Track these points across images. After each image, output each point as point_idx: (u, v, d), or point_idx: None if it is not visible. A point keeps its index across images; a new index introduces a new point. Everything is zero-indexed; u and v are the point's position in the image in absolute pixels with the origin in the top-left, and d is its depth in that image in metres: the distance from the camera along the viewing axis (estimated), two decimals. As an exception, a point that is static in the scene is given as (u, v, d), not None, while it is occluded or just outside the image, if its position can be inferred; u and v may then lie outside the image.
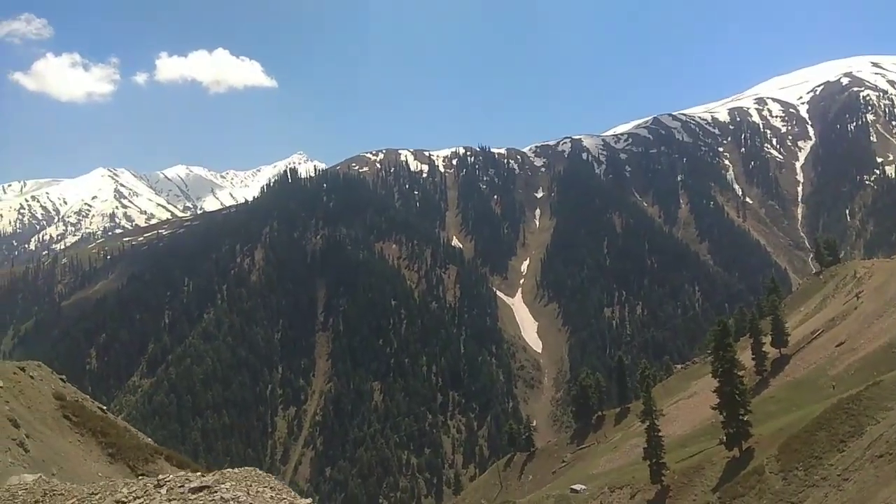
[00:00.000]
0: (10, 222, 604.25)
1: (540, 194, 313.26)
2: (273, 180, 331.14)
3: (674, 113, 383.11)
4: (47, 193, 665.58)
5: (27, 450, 25.99)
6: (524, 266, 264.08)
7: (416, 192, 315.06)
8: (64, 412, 31.33)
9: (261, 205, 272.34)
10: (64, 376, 42.00)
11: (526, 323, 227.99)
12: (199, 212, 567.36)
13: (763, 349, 74.69)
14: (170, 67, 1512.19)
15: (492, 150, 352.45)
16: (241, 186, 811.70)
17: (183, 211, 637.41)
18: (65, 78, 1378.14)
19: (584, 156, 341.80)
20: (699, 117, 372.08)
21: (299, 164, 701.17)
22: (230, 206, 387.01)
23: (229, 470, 13.34)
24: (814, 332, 77.51)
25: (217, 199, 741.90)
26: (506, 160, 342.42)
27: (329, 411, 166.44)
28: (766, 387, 72.29)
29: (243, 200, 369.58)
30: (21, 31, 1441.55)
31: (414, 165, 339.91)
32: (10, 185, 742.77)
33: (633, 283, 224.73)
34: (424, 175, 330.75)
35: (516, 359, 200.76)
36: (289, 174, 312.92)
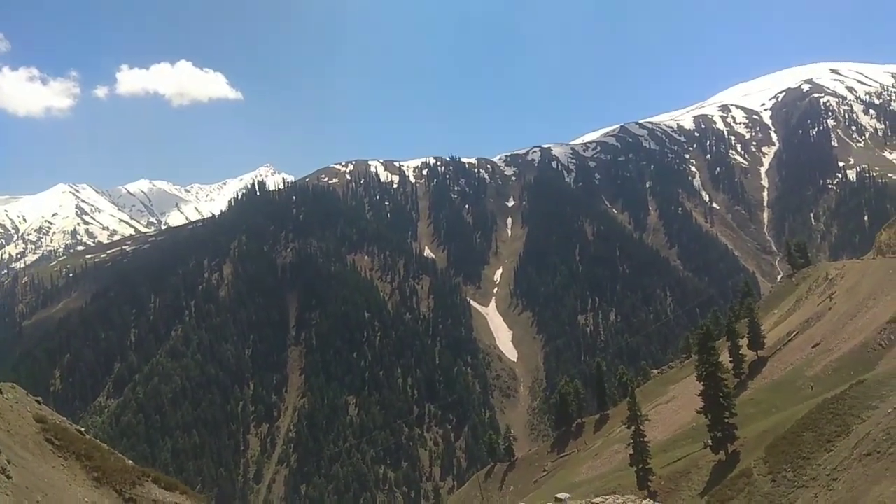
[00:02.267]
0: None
1: (511, 203, 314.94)
2: (240, 193, 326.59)
3: (640, 121, 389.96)
4: (6, 210, 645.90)
5: (9, 476, 24.49)
6: (497, 275, 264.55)
7: (387, 203, 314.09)
8: (46, 435, 29.71)
9: (228, 218, 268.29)
10: (40, 398, 40.24)
11: (500, 332, 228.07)
12: (163, 227, 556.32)
13: (740, 352, 75.34)
14: (131, 80, 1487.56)
15: (462, 159, 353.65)
16: (206, 200, 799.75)
17: (147, 226, 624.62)
18: (22, 92, 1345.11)
19: (554, 164, 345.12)
20: (665, 125, 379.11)
21: (267, 176, 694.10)
22: (196, 221, 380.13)
23: None
24: (789, 333, 78.58)
25: (182, 213, 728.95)
26: (476, 170, 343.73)
27: (303, 427, 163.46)
28: (745, 389, 72.89)
29: (210, 214, 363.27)
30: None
31: (384, 176, 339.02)
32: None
33: (606, 289, 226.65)
34: (395, 186, 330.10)
35: (492, 368, 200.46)
36: (256, 187, 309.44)
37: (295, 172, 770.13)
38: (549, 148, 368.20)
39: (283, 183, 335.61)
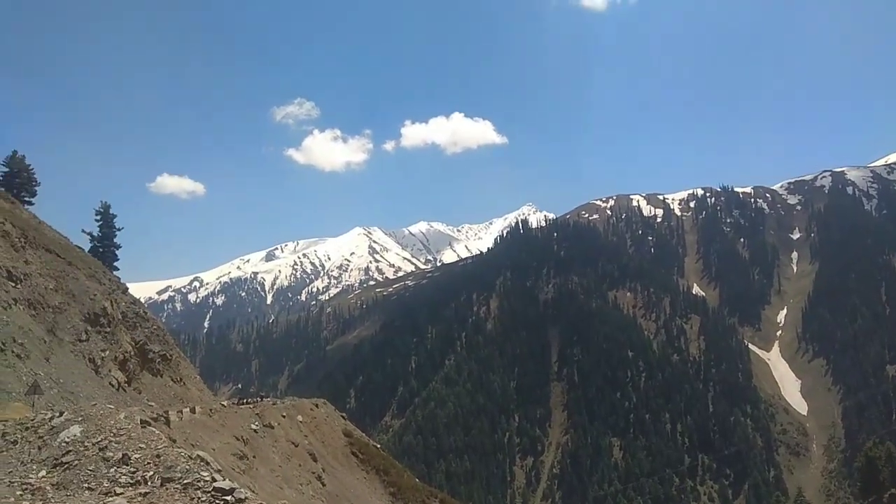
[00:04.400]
0: (286, 277, 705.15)
1: (796, 235, 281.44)
2: (505, 232, 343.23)
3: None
4: (315, 251, 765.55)
5: (324, 483, 29.34)
6: (780, 316, 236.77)
7: (650, 238, 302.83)
8: (352, 449, 34.81)
9: (494, 255, 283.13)
10: (345, 414, 47.36)
11: (786, 381, 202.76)
12: (439, 264, 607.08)
13: None
14: (413, 134, 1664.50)
15: (735, 189, 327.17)
16: (475, 239, 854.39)
17: (425, 263, 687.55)
18: (328, 150, 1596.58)
19: (850, 190, 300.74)
20: None
21: (529, 214, 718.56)
22: (467, 258, 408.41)
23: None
24: None
25: (454, 251, 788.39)
26: (752, 199, 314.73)
27: (566, 465, 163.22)
28: None
29: (478, 252, 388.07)
30: (294, 114, 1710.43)
31: (647, 210, 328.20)
32: (286, 245, 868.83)
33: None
34: (659, 220, 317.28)
35: (776, 421, 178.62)
36: (520, 225, 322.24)
37: (556, 210, 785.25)
38: (842, 172, 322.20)
39: (545, 220, 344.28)
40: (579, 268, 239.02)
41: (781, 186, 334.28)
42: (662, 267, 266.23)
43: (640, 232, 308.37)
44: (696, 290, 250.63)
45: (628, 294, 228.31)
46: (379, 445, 41.30)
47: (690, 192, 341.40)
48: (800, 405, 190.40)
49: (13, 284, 38.70)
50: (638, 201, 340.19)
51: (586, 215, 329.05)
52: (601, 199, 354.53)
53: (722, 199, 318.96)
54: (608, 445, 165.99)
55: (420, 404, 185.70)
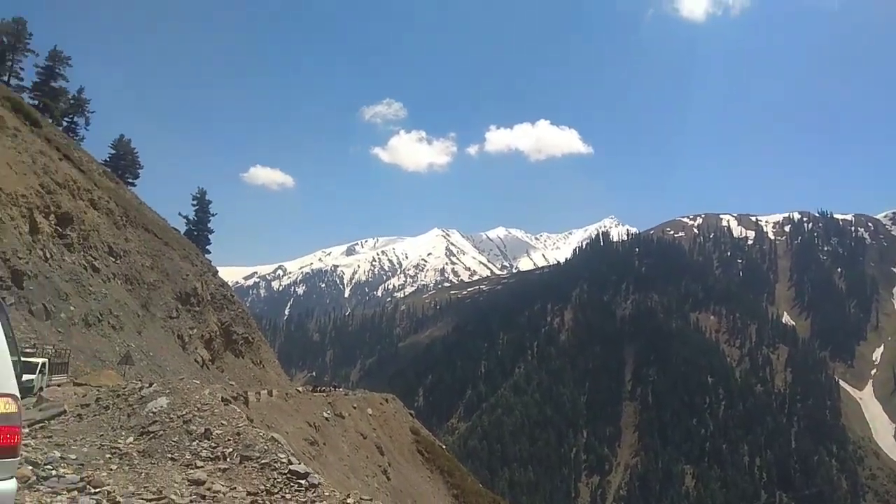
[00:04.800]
0: (364, 272, 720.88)
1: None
2: (584, 243, 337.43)
3: None
4: (393, 249, 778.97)
5: (389, 478, 29.60)
6: (877, 354, 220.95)
7: (739, 261, 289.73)
8: (418, 447, 34.93)
9: (572, 266, 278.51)
10: (412, 412, 47.73)
11: (879, 423, 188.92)
12: (514, 271, 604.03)
13: None
14: (497, 139, 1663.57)
15: (835, 215, 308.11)
16: (552, 248, 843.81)
17: (500, 269, 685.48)
18: (412, 151, 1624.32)
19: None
20: None
21: (611, 227, 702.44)
22: (543, 267, 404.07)
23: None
24: None
25: (531, 259, 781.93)
26: (853, 228, 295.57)
27: (634, 487, 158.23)
28: None
29: (555, 262, 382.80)
30: (382, 113, 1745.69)
31: (737, 231, 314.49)
32: (366, 241, 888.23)
33: None
34: (750, 242, 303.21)
35: (865, 465, 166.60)
36: (601, 237, 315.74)
37: (639, 225, 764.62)
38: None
39: (627, 234, 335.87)
40: (661, 285, 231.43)
41: (885, 216, 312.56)
42: (751, 292, 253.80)
43: (729, 253, 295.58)
44: (785, 318, 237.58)
45: (712, 317, 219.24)
46: (444, 446, 41.25)
47: (786, 215, 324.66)
48: (892, 450, 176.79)
49: (113, 259, 41.24)
50: (728, 221, 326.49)
51: (671, 232, 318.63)
52: (688, 217, 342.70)
53: (820, 225, 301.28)
54: (680, 472, 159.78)
55: (487, 409, 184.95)
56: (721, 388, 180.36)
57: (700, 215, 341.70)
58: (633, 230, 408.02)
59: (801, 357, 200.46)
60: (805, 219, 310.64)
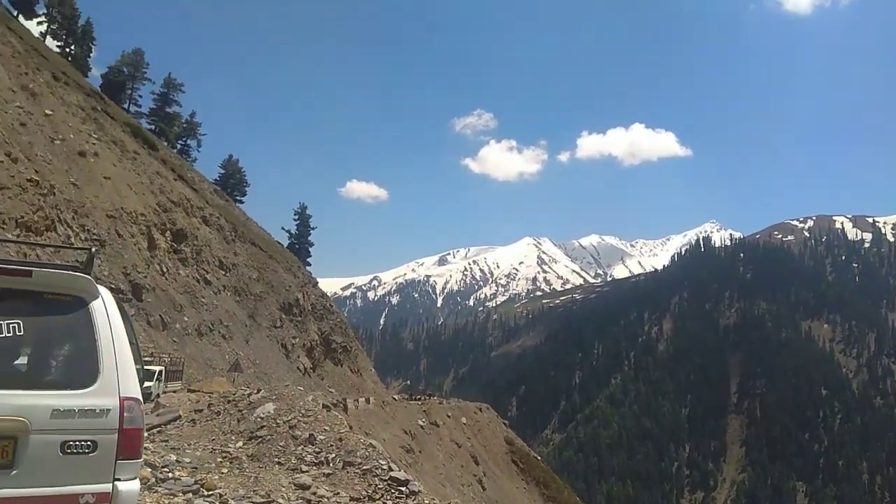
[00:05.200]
0: (456, 281, 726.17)
1: None
2: (684, 249, 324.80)
3: None
4: (484, 258, 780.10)
5: (484, 487, 29.63)
6: None
7: (854, 265, 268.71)
8: (512, 457, 34.80)
9: (670, 274, 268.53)
10: (506, 422, 47.61)
11: None
12: (609, 279, 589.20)
13: None
14: (589, 145, 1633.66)
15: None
16: (649, 255, 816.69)
17: (594, 277, 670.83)
18: (502, 161, 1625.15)
19: None
20: None
21: (712, 232, 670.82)
22: (639, 274, 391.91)
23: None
24: None
25: (626, 267, 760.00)
26: None
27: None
28: None
29: (651, 269, 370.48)
30: (473, 124, 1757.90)
31: (852, 234, 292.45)
32: (458, 251, 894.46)
33: None
34: (867, 245, 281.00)
35: None
36: (701, 243, 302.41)
37: (743, 229, 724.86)
38: None
39: (730, 239, 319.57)
40: (768, 293, 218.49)
41: None
42: (868, 298, 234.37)
43: (843, 257, 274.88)
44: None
45: (825, 326, 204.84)
46: (539, 457, 40.74)
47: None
48: None
49: (223, 272, 43.91)
50: (842, 223, 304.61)
51: (779, 236, 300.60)
52: (798, 220, 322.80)
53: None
54: (792, 489, 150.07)
55: (582, 421, 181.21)
56: (836, 401, 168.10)
57: (811, 217, 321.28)
58: (737, 235, 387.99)
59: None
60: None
